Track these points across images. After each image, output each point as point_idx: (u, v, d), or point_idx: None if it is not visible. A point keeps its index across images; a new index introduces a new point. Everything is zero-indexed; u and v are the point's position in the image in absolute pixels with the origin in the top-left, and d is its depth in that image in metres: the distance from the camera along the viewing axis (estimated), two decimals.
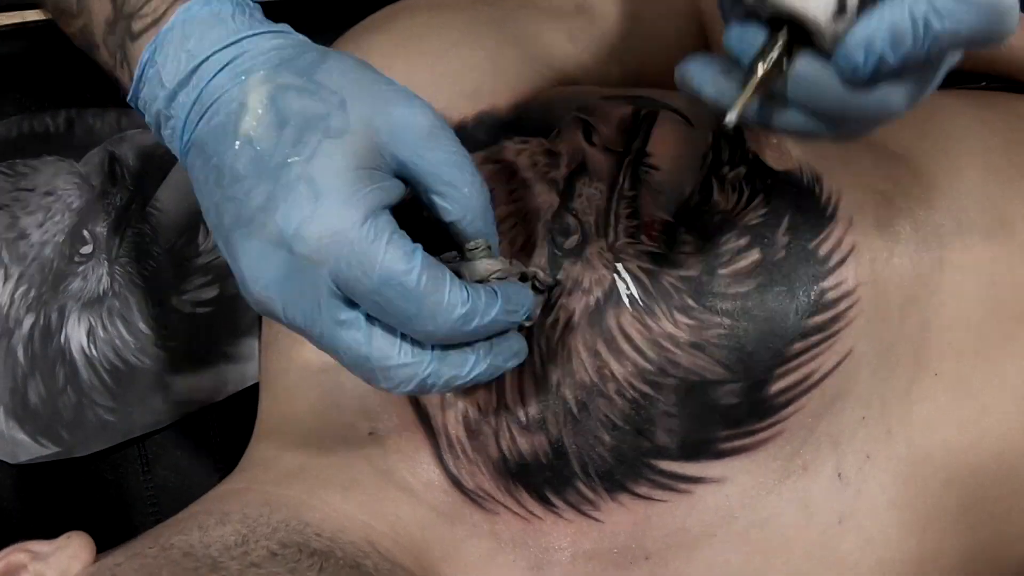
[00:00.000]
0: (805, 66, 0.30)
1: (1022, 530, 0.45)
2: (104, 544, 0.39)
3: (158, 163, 0.61)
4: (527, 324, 0.38)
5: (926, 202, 0.46)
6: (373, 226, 0.32)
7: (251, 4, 0.38)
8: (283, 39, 0.37)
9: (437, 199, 0.35)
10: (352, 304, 0.33)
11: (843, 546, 0.41)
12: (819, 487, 0.41)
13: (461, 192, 0.35)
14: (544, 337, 0.41)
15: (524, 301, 0.36)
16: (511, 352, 0.36)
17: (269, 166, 0.33)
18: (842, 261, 0.42)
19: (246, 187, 0.33)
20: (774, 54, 0.29)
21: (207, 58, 0.35)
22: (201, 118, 0.35)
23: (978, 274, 0.45)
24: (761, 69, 0.29)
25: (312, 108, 0.34)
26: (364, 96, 0.34)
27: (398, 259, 0.32)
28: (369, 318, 0.33)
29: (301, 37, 0.38)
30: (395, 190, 0.35)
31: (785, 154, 0.45)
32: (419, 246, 0.33)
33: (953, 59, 0.31)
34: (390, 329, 0.33)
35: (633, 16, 0.50)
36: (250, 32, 0.36)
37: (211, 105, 0.35)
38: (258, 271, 0.34)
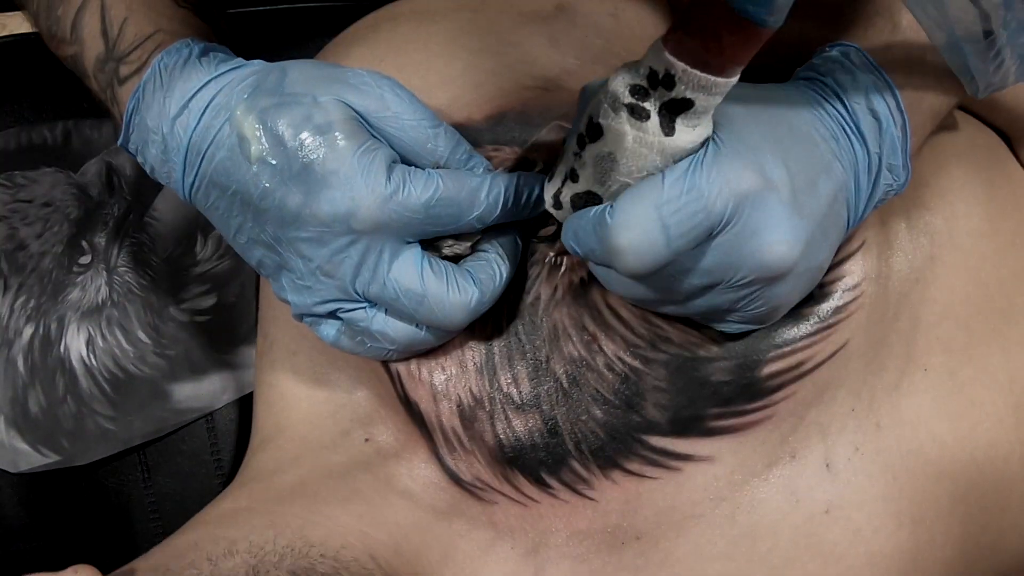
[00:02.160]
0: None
1: (1015, 520, 0.46)
2: (106, 551, 0.39)
3: None
4: None
5: (917, 200, 0.46)
6: (394, 178, 0.38)
7: (212, 45, 0.43)
8: (246, 69, 0.41)
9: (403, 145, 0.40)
10: (409, 244, 0.39)
11: (829, 536, 0.42)
12: (807, 476, 0.42)
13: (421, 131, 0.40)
14: (526, 315, 0.41)
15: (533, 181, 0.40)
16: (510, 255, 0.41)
17: (292, 172, 0.38)
18: (850, 256, 0.43)
19: (278, 195, 0.38)
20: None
21: (186, 103, 0.40)
22: (202, 158, 0.39)
23: (967, 271, 0.46)
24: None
25: (296, 114, 0.38)
26: (328, 86, 0.39)
27: (424, 186, 0.38)
28: (425, 260, 0.39)
29: (260, 62, 0.42)
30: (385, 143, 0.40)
31: None
32: (428, 168, 0.39)
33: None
34: (437, 270, 0.39)
35: (613, 14, 0.50)
36: (215, 72, 0.40)
37: (209, 146, 0.39)
38: (317, 253, 0.39)
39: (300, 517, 0.41)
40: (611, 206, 0.34)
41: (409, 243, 0.39)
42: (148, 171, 0.42)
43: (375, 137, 0.39)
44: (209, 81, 0.40)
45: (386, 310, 0.40)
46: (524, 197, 0.40)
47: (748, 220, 0.33)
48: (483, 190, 0.39)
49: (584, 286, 0.41)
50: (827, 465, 0.42)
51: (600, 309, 0.41)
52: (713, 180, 0.33)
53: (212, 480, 0.59)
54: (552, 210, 0.38)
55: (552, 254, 0.42)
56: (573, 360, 0.41)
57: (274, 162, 0.38)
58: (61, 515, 0.58)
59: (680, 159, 0.33)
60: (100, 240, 0.59)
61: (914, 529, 0.43)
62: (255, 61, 0.42)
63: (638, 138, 0.32)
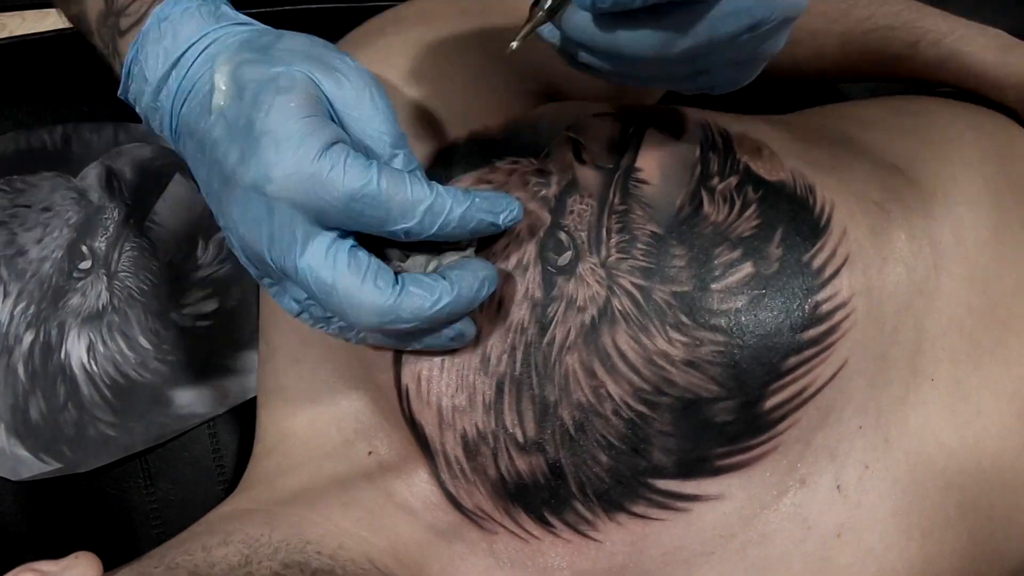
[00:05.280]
0: (569, 11, 0.35)
1: (1022, 525, 0.45)
2: (108, 559, 0.39)
3: (155, 177, 0.61)
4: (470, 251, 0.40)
5: (921, 210, 0.46)
6: (328, 156, 0.36)
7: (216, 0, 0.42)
8: (245, 28, 0.41)
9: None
10: (327, 231, 0.36)
11: (842, 559, 0.41)
12: (817, 501, 0.41)
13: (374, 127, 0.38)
14: (541, 355, 0.41)
15: (503, 204, 0.38)
16: (477, 279, 0.38)
17: (238, 127, 0.37)
18: (836, 272, 0.42)
19: (223, 149, 0.37)
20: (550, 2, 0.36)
21: (182, 54, 0.40)
22: (183, 105, 0.40)
23: (972, 280, 0.45)
24: (541, 11, 0.36)
25: (264, 73, 0.38)
26: (310, 59, 0.38)
27: (356, 175, 0.36)
28: (342, 248, 0.36)
29: (262, 26, 0.42)
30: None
31: (777, 163, 0.45)
32: (375, 161, 0.36)
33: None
34: (357, 263, 0.36)
35: None
36: (216, 25, 0.40)
37: (190, 91, 0.39)
38: (241, 217, 0.38)
39: (298, 516, 0.41)
40: None
41: (329, 230, 0.37)
42: (144, 122, 0.43)
43: (333, 122, 0.38)
44: (208, 32, 0.40)
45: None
46: (475, 223, 0.38)
47: None
48: (422, 203, 0.36)
49: (595, 327, 0.40)
50: (838, 487, 0.42)
51: (609, 352, 0.40)
52: None
53: (214, 486, 0.59)
54: (554, 27, 0.36)
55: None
56: (581, 407, 0.40)
57: (227, 114, 0.38)
58: (63, 523, 0.57)
59: None
60: (100, 245, 0.58)
61: (923, 542, 0.43)
62: (260, 24, 0.42)
63: None
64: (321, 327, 0.40)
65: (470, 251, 0.40)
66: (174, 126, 0.40)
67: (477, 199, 0.37)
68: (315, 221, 0.36)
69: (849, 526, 0.41)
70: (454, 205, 0.37)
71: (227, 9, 0.42)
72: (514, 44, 0.36)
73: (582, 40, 0.36)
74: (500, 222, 0.38)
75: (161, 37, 0.40)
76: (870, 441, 0.42)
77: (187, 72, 0.39)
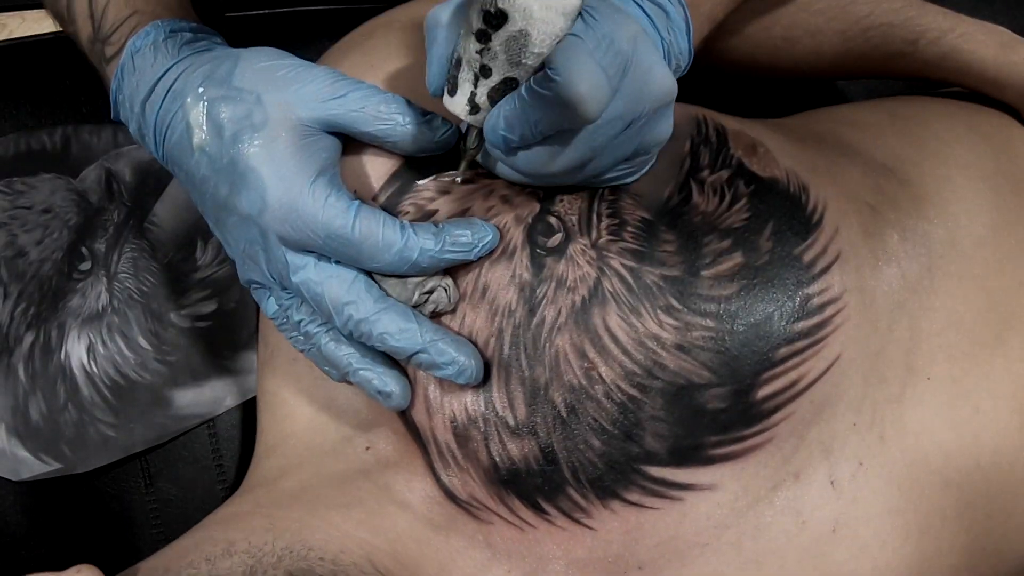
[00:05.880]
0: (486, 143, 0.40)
1: (1020, 523, 0.45)
2: (108, 559, 0.39)
3: (155, 178, 0.61)
4: (449, 309, 0.42)
5: (915, 211, 0.46)
6: (312, 192, 0.39)
7: (180, 23, 0.45)
8: (203, 55, 0.43)
9: (361, 131, 0.41)
10: (307, 253, 0.40)
11: (836, 555, 0.41)
12: (812, 495, 0.41)
13: (373, 115, 0.41)
14: (530, 337, 0.40)
15: (477, 238, 0.40)
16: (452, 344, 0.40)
17: (222, 165, 0.40)
18: (827, 268, 0.42)
19: (212, 184, 0.41)
20: (474, 134, 0.41)
21: (152, 88, 0.43)
22: (164, 137, 0.43)
23: (971, 279, 0.45)
24: (469, 144, 0.41)
25: (237, 111, 0.40)
26: (273, 85, 0.41)
27: (337, 215, 0.39)
28: (321, 264, 0.40)
29: (218, 47, 0.45)
30: (330, 148, 0.41)
31: (771, 161, 0.45)
32: (356, 202, 0.39)
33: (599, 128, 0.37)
34: (341, 279, 0.40)
35: None
36: (178, 58, 0.43)
37: (167, 127, 0.42)
38: (238, 240, 0.42)
39: (299, 521, 0.41)
40: (549, 69, 0.35)
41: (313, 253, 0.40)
42: (136, 141, 0.47)
43: (327, 135, 0.41)
44: (171, 67, 0.43)
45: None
46: (445, 262, 0.40)
47: (640, 58, 0.36)
48: (393, 247, 0.39)
49: (585, 307, 0.40)
50: (832, 483, 0.42)
51: (600, 333, 0.40)
52: (614, 27, 0.36)
53: (214, 486, 0.59)
54: (469, 117, 0.39)
55: (460, 176, 0.42)
56: (572, 389, 0.40)
57: (210, 153, 0.40)
58: (63, 523, 0.58)
59: (574, 16, 0.36)
60: (100, 246, 0.59)
61: (920, 540, 0.43)
62: (216, 44, 0.45)
63: (542, 5, 0.35)
64: (293, 335, 0.43)
65: (447, 276, 0.42)
66: (161, 154, 0.44)
67: (448, 238, 0.40)
68: (300, 249, 0.40)
69: (844, 522, 0.41)
70: (424, 248, 0.39)
71: (190, 35, 0.45)
72: (459, 178, 0.42)
73: (498, 162, 0.41)
74: (472, 256, 0.41)
75: (134, 70, 0.44)
76: (865, 438, 0.42)
77: (160, 108, 0.42)
